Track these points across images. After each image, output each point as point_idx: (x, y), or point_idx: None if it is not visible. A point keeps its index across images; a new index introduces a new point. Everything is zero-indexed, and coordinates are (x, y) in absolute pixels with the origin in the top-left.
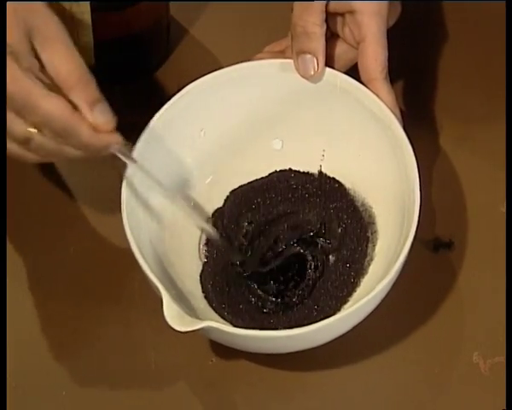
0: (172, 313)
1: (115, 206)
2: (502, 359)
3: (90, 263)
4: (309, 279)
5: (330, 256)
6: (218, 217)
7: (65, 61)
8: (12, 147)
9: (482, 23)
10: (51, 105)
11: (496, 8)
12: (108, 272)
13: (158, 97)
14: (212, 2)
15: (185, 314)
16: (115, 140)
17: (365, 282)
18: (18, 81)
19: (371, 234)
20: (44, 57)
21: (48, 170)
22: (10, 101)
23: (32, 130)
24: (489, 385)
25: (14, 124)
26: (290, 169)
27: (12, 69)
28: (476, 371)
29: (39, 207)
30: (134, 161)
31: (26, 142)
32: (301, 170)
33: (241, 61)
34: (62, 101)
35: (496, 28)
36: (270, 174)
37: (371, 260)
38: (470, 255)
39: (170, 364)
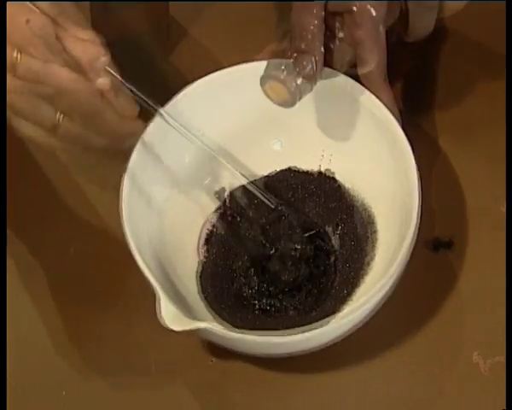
0: (168, 313)
1: (116, 205)
2: (502, 359)
3: (90, 263)
4: (310, 282)
5: (330, 256)
6: (218, 217)
7: (89, 49)
8: (38, 134)
9: (482, 23)
10: (81, 89)
11: (496, 8)
12: (108, 271)
13: (158, 98)
14: (212, 2)
15: (181, 314)
16: (103, 52)
17: (365, 282)
18: (49, 65)
19: (371, 234)
20: (68, 45)
21: (48, 170)
22: (39, 85)
23: (60, 116)
24: (489, 385)
25: (42, 110)
26: (290, 168)
27: (43, 53)
28: (476, 371)
29: (39, 207)
30: (122, 80)
31: (53, 128)
32: (301, 170)
33: (241, 62)
34: (91, 85)
35: (496, 28)
36: (270, 174)
37: (371, 260)
38: (470, 255)
39: (170, 364)
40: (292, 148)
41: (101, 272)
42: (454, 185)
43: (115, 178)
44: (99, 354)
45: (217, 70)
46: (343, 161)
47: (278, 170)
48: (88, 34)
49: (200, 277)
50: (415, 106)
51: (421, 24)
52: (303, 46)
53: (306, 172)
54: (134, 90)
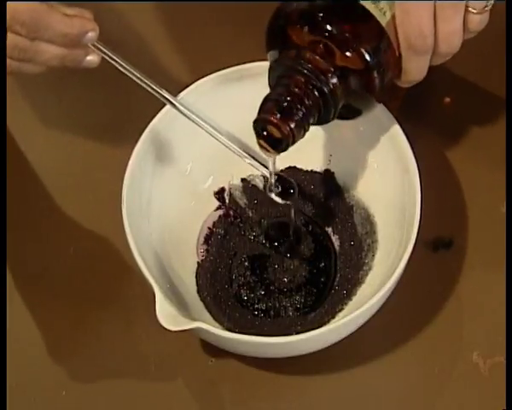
0: (163, 312)
1: (116, 206)
2: (502, 359)
3: (90, 263)
4: (310, 282)
5: (330, 256)
6: (218, 217)
7: (76, 24)
8: None
9: None
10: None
11: (496, 9)
12: (108, 271)
13: (158, 99)
14: (211, 3)
15: (177, 314)
16: (91, 26)
17: (365, 283)
18: (36, 43)
19: (371, 234)
20: (55, 21)
21: (48, 169)
22: (26, 64)
23: None
24: (489, 385)
25: None
26: (290, 168)
27: (30, 31)
28: (476, 371)
29: (39, 207)
30: (113, 57)
31: None
32: (301, 170)
33: (242, 62)
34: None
35: (496, 28)
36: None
37: (371, 260)
38: (470, 255)
39: (170, 364)
40: (292, 148)
41: (101, 272)
42: (454, 185)
43: (115, 177)
44: (99, 354)
45: (217, 71)
46: (343, 161)
47: (279, 170)
48: (75, 10)
49: (199, 277)
50: (415, 106)
51: (415, 68)
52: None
53: (306, 172)
54: (131, 69)
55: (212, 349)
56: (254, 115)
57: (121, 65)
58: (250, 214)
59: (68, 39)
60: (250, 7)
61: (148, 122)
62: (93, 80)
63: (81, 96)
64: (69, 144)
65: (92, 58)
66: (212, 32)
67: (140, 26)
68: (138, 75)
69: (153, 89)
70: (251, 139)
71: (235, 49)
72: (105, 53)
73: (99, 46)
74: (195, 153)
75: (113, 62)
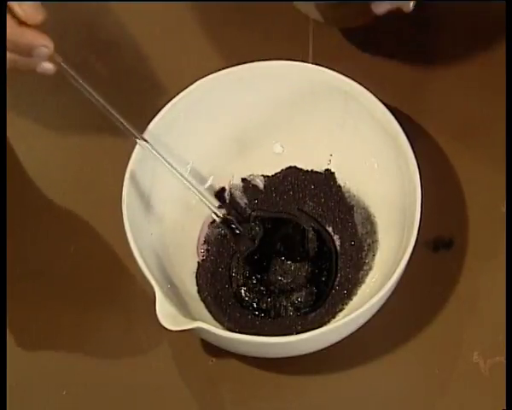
0: (164, 311)
1: (116, 206)
2: (502, 359)
3: (91, 263)
4: (310, 282)
5: (331, 256)
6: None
7: (27, 36)
8: None
9: (482, 23)
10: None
11: (496, 9)
12: (109, 271)
13: (158, 98)
14: (211, 3)
15: (177, 313)
16: (42, 41)
17: (365, 282)
18: None
19: (371, 234)
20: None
21: (48, 169)
22: None
23: None
24: (489, 385)
25: None
26: (291, 168)
27: None
28: (476, 371)
29: (40, 207)
30: (76, 79)
31: None
32: (302, 170)
33: (242, 62)
34: None
35: (496, 28)
36: (271, 174)
37: (371, 260)
38: (470, 255)
39: (170, 364)
40: (292, 149)
41: (101, 271)
42: (454, 185)
43: (116, 177)
44: (99, 354)
45: (217, 71)
46: (343, 161)
47: (279, 170)
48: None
49: (200, 277)
50: (415, 106)
51: None
52: None
53: (306, 172)
54: (96, 96)
55: (213, 349)
56: (250, 118)
57: (87, 90)
58: (251, 214)
59: (18, 48)
60: (244, 7)
61: (148, 122)
62: (92, 80)
63: (80, 96)
64: (69, 144)
65: (47, 65)
66: (209, 32)
67: (141, 27)
68: (103, 103)
69: (115, 118)
70: (247, 142)
71: (237, 48)
72: (72, 76)
73: (67, 68)
74: (195, 153)
75: (78, 86)
